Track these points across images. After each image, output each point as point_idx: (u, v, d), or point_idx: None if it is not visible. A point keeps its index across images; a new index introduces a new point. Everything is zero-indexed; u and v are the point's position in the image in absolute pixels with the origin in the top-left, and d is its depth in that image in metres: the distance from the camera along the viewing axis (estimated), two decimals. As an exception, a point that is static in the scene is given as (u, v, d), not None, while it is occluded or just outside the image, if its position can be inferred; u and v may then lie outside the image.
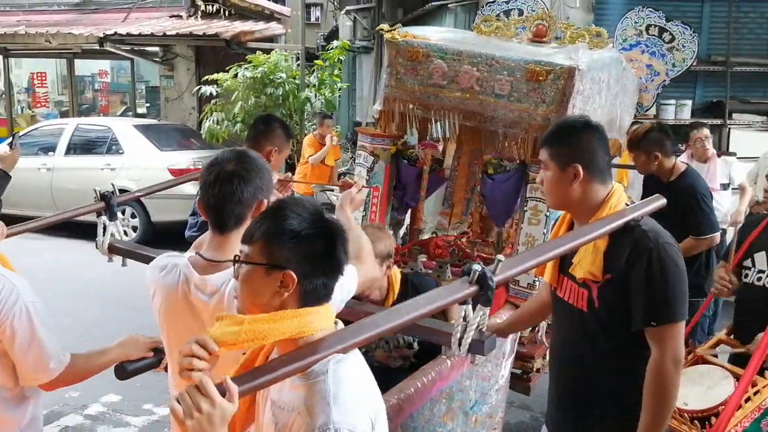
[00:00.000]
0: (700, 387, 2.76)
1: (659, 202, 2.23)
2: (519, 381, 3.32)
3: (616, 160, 4.19)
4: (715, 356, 2.96)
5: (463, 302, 1.66)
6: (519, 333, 3.20)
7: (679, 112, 7.65)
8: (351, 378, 1.38)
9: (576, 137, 2.15)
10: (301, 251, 1.40)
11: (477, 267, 1.65)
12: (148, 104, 14.65)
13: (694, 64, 7.45)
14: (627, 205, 2.15)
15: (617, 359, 2.11)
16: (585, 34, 3.48)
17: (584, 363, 2.18)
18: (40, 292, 2.04)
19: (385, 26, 3.52)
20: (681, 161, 5.33)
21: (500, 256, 1.72)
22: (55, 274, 7.13)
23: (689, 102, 7.70)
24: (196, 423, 1.17)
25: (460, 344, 1.67)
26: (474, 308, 1.66)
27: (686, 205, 3.80)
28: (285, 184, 3.30)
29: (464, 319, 1.66)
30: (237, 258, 1.44)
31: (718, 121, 7.60)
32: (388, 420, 2.01)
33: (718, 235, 3.99)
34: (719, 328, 4.04)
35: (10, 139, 4.06)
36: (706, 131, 5.53)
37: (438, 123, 3.48)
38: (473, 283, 1.64)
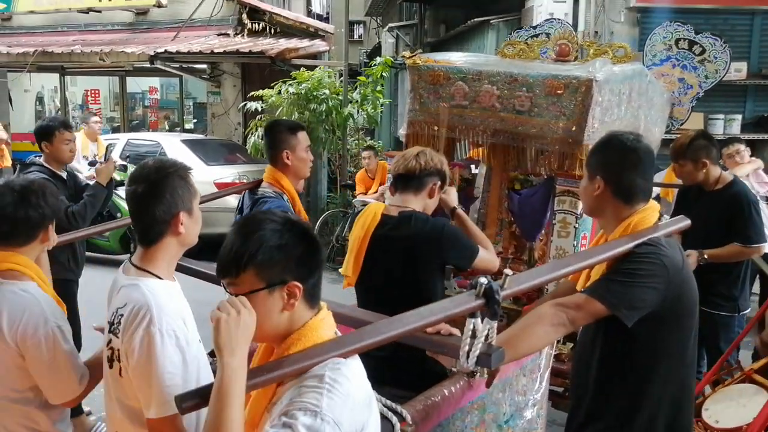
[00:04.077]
0: (736, 405, 2.74)
1: (682, 223, 2.23)
2: (561, 399, 3.29)
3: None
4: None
5: (471, 315, 1.67)
6: (556, 348, 3.15)
7: (728, 126, 7.49)
8: (346, 385, 1.39)
9: (606, 152, 2.16)
10: (292, 259, 1.45)
11: (483, 280, 1.67)
12: (195, 120, 15.00)
13: (744, 77, 7.31)
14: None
15: (608, 366, 2.12)
16: (608, 50, 3.48)
17: (587, 369, 2.20)
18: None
19: (406, 53, 3.64)
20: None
21: (508, 271, 1.74)
22: (95, 285, 7.27)
23: (739, 117, 7.54)
24: (227, 317, 1.36)
25: (468, 357, 1.69)
26: (482, 321, 1.67)
27: (736, 212, 3.66)
28: None
29: (472, 332, 1.68)
30: (237, 294, 1.45)
31: (769, 136, 7.41)
32: (414, 425, 2.00)
33: (766, 245, 3.83)
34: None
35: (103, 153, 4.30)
36: (739, 146, 5.27)
37: (464, 143, 3.51)
38: (480, 296, 1.66)
